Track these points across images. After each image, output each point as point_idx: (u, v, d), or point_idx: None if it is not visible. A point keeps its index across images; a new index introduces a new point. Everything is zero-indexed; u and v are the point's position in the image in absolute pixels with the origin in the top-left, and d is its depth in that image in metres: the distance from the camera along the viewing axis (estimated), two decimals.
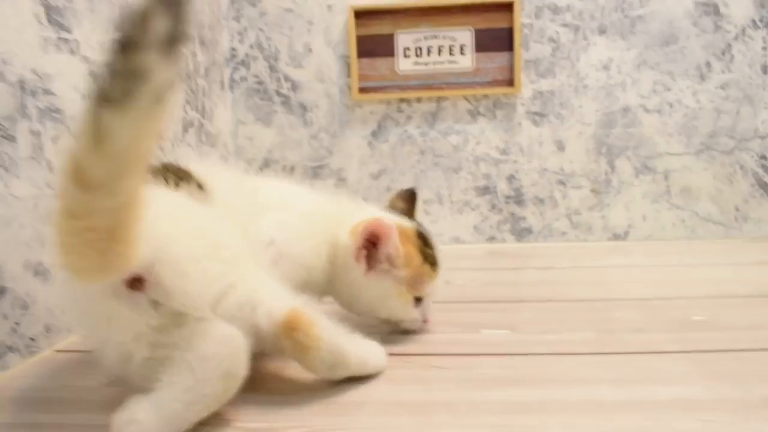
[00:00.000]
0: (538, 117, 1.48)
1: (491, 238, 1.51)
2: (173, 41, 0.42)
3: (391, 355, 0.76)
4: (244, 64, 1.52)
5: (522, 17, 1.46)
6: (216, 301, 0.62)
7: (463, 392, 0.68)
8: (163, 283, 0.59)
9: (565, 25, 1.45)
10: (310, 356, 0.65)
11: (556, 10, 1.45)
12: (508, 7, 1.45)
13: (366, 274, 0.80)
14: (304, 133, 1.52)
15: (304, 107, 1.51)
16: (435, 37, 1.47)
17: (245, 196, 0.81)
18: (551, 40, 1.46)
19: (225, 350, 0.60)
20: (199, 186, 0.72)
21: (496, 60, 1.47)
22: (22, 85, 0.82)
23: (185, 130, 1.28)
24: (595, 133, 1.47)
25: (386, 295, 0.82)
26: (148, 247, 0.58)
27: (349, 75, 1.49)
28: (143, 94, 0.41)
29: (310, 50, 1.49)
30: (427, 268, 0.84)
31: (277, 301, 0.65)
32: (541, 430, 0.59)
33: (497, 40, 1.47)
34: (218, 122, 1.46)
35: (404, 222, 0.86)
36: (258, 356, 0.64)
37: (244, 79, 1.52)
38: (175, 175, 0.71)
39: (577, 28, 1.45)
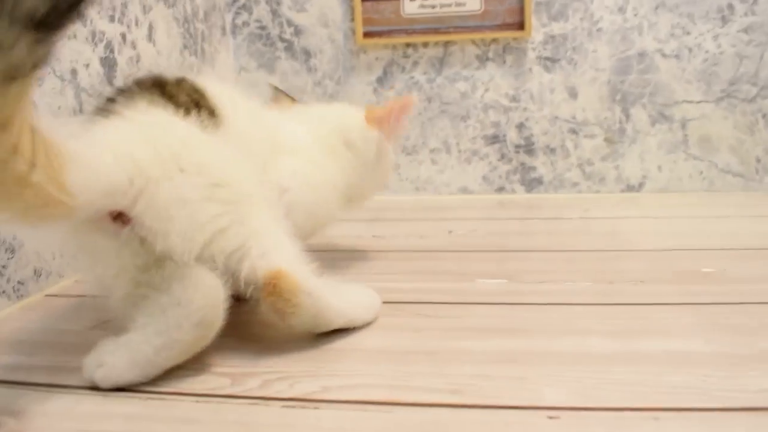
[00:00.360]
0: (549, 62, 1.42)
1: (500, 189, 1.47)
2: (42, 22, 0.41)
3: (382, 303, 0.74)
4: (246, 8, 1.47)
5: None
6: (202, 247, 0.59)
7: (449, 341, 0.65)
8: (146, 223, 0.57)
9: None
10: (288, 321, 0.62)
11: None
12: None
13: (387, 142, 0.89)
14: (308, 80, 1.47)
15: (307, 53, 1.47)
16: None
17: (264, 131, 0.78)
18: None
19: (202, 299, 0.58)
20: (213, 111, 0.67)
21: (505, 2, 1.40)
22: None
23: None
24: (609, 80, 1.41)
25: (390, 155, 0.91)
26: (136, 184, 0.56)
27: (353, 19, 1.43)
28: None
29: None
30: None
31: (265, 256, 0.61)
32: (524, 381, 0.56)
33: None
34: (220, 68, 1.42)
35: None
36: (240, 300, 0.62)
37: (246, 24, 1.48)
38: (188, 95, 0.67)
39: None
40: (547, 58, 1.42)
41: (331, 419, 0.51)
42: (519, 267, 0.90)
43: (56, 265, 0.88)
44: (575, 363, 0.59)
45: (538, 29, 1.41)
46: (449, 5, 1.41)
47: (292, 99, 0.96)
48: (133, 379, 0.57)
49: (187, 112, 0.64)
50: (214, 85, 0.71)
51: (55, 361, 0.65)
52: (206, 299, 0.58)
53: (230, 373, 0.60)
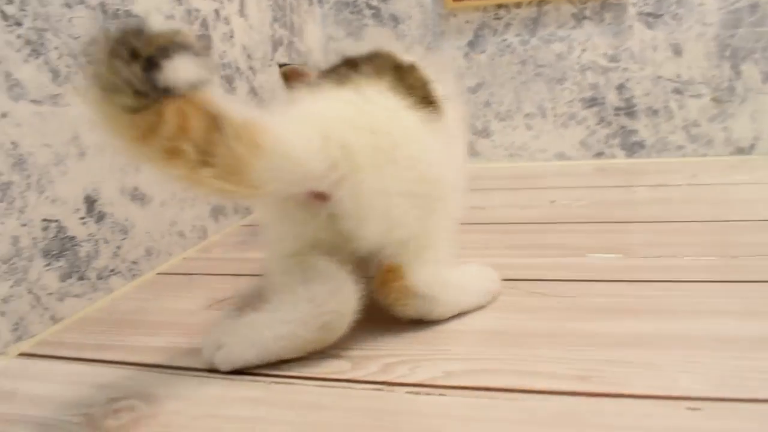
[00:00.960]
0: (651, 18, 1.34)
1: (599, 154, 1.41)
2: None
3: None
4: None
5: None
6: (388, 236, 0.59)
7: (569, 323, 0.63)
8: (345, 206, 0.56)
9: None
10: (398, 312, 0.64)
11: None
12: None
13: None
14: (398, 47, 1.44)
15: (395, 19, 1.44)
16: None
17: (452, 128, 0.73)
18: None
19: (335, 305, 0.58)
20: (435, 103, 0.64)
21: None
22: (103, 8, 0.80)
23: (275, 48, 1.24)
24: (717, 35, 1.32)
25: None
26: (341, 170, 0.55)
27: None
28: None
29: None
30: None
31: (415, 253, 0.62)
32: (655, 368, 0.53)
33: None
34: (308, 39, 1.41)
35: None
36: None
37: None
38: (420, 83, 0.64)
39: None
40: (648, 14, 1.34)
41: (460, 407, 0.50)
42: (631, 240, 0.86)
43: (165, 243, 0.90)
44: (709, 347, 0.56)
45: None
46: None
47: (308, 71, 0.89)
48: (249, 361, 0.58)
49: (416, 101, 0.62)
50: (436, 73, 0.69)
51: (174, 341, 0.66)
52: (338, 306, 0.58)
53: (349, 356, 0.60)
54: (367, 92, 0.60)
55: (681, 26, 1.33)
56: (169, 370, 0.60)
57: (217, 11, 1.04)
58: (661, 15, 1.33)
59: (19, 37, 0.68)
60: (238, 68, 1.08)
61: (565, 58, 1.38)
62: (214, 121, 0.48)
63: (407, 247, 0.60)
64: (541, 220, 0.99)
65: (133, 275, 0.84)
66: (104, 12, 0.80)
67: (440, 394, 0.52)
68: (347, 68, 0.63)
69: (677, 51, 1.34)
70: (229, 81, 1.06)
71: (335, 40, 1.48)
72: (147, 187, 0.87)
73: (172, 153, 0.46)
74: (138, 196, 0.85)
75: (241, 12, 1.11)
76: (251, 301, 0.73)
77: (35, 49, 0.70)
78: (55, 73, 0.72)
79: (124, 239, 0.82)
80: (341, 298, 0.58)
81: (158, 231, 0.89)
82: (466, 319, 0.66)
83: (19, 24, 0.68)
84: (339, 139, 0.55)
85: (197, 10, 0.99)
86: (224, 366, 0.58)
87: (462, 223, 0.93)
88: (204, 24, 1.00)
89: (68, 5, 0.74)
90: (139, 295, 0.80)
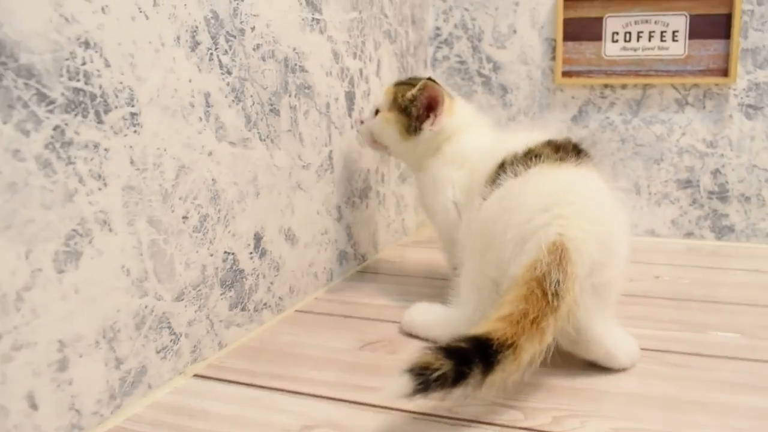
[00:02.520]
0: (752, 110, 1.39)
1: (689, 234, 1.45)
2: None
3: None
4: (447, 43, 1.53)
5: (743, 3, 1.37)
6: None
7: (710, 393, 0.67)
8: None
9: None
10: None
11: None
12: None
13: None
14: (503, 115, 1.52)
15: (504, 88, 1.51)
16: (646, 21, 1.41)
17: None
18: None
19: None
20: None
21: (710, 47, 1.39)
22: (286, 62, 0.88)
23: None
24: None
25: None
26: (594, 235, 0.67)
27: (553, 58, 1.47)
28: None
29: (514, 31, 1.48)
30: None
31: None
32: None
33: (713, 27, 1.39)
34: None
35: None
36: None
37: (446, 58, 1.54)
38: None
39: None
40: (749, 106, 1.39)
41: None
42: (745, 320, 0.90)
43: (303, 282, 0.96)
44: None
45: (742, 76, 1.39)
46: (652, 49, 1.41)
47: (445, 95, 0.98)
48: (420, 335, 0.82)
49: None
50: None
51: (342, 377, 0.71)
52: None
53: (521, 406, 0.64)
54: (599, 187, 0.74)
55: None
56: (349, 404, 0.65)
57: (361, 70, 1.12)
58: (762, 107, 1.39)
59: (228, 84, 0.75)
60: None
61: (665, 140, 1.43)
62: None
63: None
64: (650, 294, 1.03)
65: (279, 310, 0.90)
66: (286, 66, 0.88)
67: None
68: (551, 150, 0.74)
69: None
70: None
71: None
72: (297, 228, 0.93)
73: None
74: (290, 236, 0.91)
75: (377, 72, 1.19)
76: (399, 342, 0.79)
77: (237, 96, 0.77)
78: (248, 119, 0.80)
79: (276, 275, 0.88)
80: None
81: (300, 270, 0.95)
82: (605, 379, 0.70)
83: (229, 73, 0.76)
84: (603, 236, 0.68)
85: (348, 69, 1.07)
86: (405, 327, 0.84)
87: None
88: (351, 82, 1.08)
89: (263, 58, 0.82)
90: (287, 330, 0.85)
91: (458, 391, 0.55)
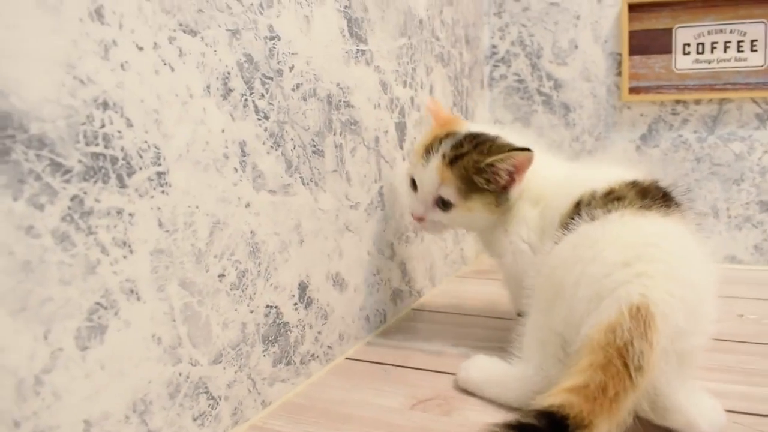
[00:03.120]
0: None
1: None
2: None
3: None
4: (504, 61, 1.46)
5: None
6: None
7: None
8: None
9: None
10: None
11: None
12: None
13: None
14: (566, 135, 1.43)
15: (566, 107, 1.43)
16: (721, 31, 1.31)
17: None
18: None
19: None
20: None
21: None
22: (329, 99, 0.83)
23: None
24: None
25: None
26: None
27: (618, 74, 1.37)
28: None
29: (575, 47, 1.40)
30: None
31: None
32: None
33: None
34: (478, 122, 1.42)
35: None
36: None
37: (503, 77, 1.47)
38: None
39: None
40: None
41: None
42: None
43: (354, 328, 0.91)
44: None
45: None
46: (728, 60, 1.31)
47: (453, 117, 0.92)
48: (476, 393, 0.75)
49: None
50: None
51: None
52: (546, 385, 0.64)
53: None
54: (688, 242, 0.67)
55: None
56: None
57: (411, 98, 1.06)
58: None
59: (265, 130, 0.71)
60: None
61: (745, 159, 1.32)
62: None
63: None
64: (734, 337, 0.94)
65: (328, 360, 0.85)
66: (329, 103, 0.83)
67: None
68: (636, 193, 0.67)
69: None
70: None
71: (502, 124, 1.48)
72: (346, 272, 0.88)
73: None
74: (338, 282, 0.87)
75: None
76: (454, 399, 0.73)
77: (276, 141, 0.73)
78: (289, 164, 0.75)
79: (324, 324, 0.84)
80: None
81: (350, 316, 0.90)
82: None
83: (267, 117, 0.71)
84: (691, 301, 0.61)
85: (398, 98, 1.01)
86: (460, 383, 0.77)
87: None
88: (401, 111, 1.03)
89: (304, 98, 0.78)
90: (335, 383, 0.81)
91: None
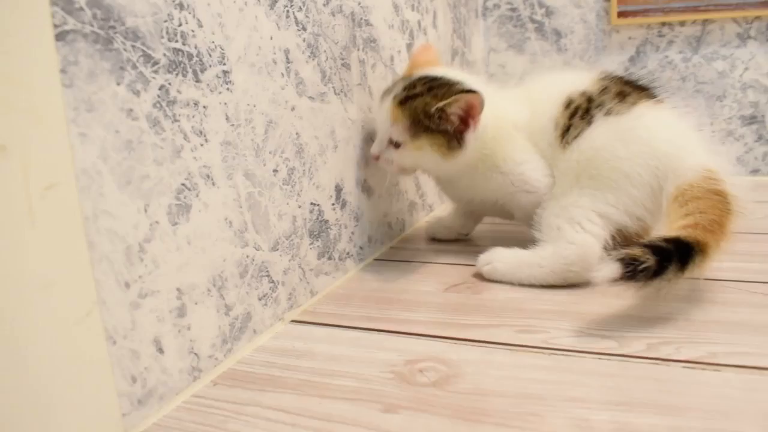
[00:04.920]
0: None
1: (755, 171, 1.44)
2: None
3: (721, 280, 0.78)
4: None
5: None
6: None
7: None
8: None
9: None
10: None
11: None
12: None
13: None
14: (558, 60, 1.51)
15: (558, 33, 1.50)
16: None
17: None
18: None
19: (578, 268, 0.79)
20: None
21: None
22: (353, 17, 0.89)
23: (453, 57, 1.33)
24: None
25: None
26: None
27: None
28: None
29: None
30: None
31: None
32: None
33: None
34: (475, 50, 1.49)
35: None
36: None
37: (497, 6, 1.53)
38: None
39: None
40: None
41: (739, 381, 0.55)
42: None
43: (380, 233, 0.99)
44: None
45: None
46: None
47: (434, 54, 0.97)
48: (504, 280, 0.83)
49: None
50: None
51: (435, 316, 0.74)
52: (582, 269, 0.78)
53: (613, 336, 0.66)
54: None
55: None
56: (446, 340, 0.67)
57: (419, 22, 1.12)
58: None
59: (304, 40, 0.77)
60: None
61: (727, 76, 1.41)
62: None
63: None
64: (753, 229, 1.03)
65: (360, 259, 0.93)
66: (353, 20, 0.89)
67: (715, 370, 0.57)
68: (629, 86, 0.86)
69: None
70: None
71: (496, 52, 1.55)
72: (371, 180, 0.95)
73: None
74: (366, 188, 0.94)
75: (434, 23, 1.20)
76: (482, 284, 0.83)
77: (312, 52, 0.79)
78: (323, 74, 0.82)
79: (356, 226, 0.91)
80: (586, 263, 0.78)
81: (377, 221, 0.98)
82: (706, 310, 0.71)
83: (304, 29, 0.77)
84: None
85: (408, 21, 1.07)
86: (487, 275, 0.85)
87: None
88: (411, 34, 1.09)
89: (333, 14, 0.84)
90: (370, 278, 0.88)
91: (655, 283, 0.64)
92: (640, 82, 0.89)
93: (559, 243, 0.80)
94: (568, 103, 0.86)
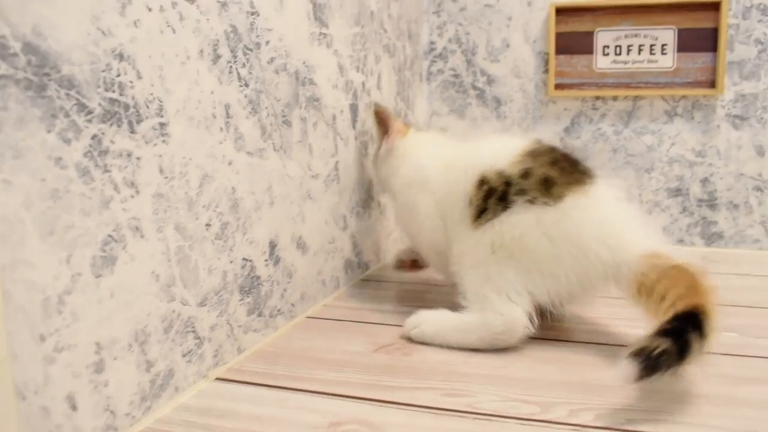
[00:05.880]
0: (738, 120, 1.44)
1: (680, 241, 1.50)
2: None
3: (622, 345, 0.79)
4: (442, 57, 1.57)
5: (729, 17, 1.42)
6: None
7: (716, 387, 0.70)
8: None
9: None
10: None
11: (765, 10, 1.41)
12: (715, 7, 1.42)
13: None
14: (497, 126, 1.55)
15: (498, 101, 1.55)
16: (636, 35, 1.46)
17: None
18: (758, 41, 1.42)
19: (506, 337, 0.81)
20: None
21: (698, 60, 1.44)
22: (297, 75, 0.90)
23: None
24: None
25: None
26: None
27: (545, 71, 1.51)
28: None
29: (507, 46, 1.52)
30: None
31: None
32: None
33: (701, 40, 1.44)
34: (418, 112, 1.52)
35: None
36: None
37: (441, 71, 1.58)
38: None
39: None
40: (736, 116, 1.44)
41: None
42: (740, 321, 0.93)
43: (313, 290, 0.98)
44: None
45: (729, 88, 1.43)
46: (642, 62, 1.46)
47: (394, 118, 1.09)
48: (431, 343, 0.83)
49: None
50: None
51: (361, 378, 0.73)
52: (509, 338, 0.80)
53: (537, 401, 0.66)
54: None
55: (765, 129, 1.43)
56: (372, 402, 0.67)
57: (363, 83, 1.15)
58: (748, 118, 1.43)
59: (245, 96, 0.78)
60: (371, 135, 1.19)
61: (655, 150, 1.47)
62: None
63: None
64: None
65: (291, 316, 0.92)
66: (297, 78, 0.90)
67: None
68: (557, 169, 0.83)
69: (760, 152, 1.44)
70: (365, 146, 1.16)
71: (438, 116, 1.59)
72: (308, 237, 0.95)
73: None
74: (301, 245, 0.94)
75: (378, 85, 1.22)
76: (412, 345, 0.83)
77: (254, 107, 0.80)
78: (263, 130, 0.82)
79: (289, 283, 0.91)
80: (514, 333, 0.79)
81: (310, 278, 0.97)
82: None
83: (247, 85, 0.78)
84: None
85: (352, 81, 1.09)
86: (415, 338, 0.85)
87: None
88: (355, 94, 1.11)
89: (277, 72, 0.85)
90: (300, 335, 0.87)
91: (686, 362, 0.62)
92: (571, 157, 0.86)
93: (486, 313, 0.80)
94: (481, 183, 0.83)
